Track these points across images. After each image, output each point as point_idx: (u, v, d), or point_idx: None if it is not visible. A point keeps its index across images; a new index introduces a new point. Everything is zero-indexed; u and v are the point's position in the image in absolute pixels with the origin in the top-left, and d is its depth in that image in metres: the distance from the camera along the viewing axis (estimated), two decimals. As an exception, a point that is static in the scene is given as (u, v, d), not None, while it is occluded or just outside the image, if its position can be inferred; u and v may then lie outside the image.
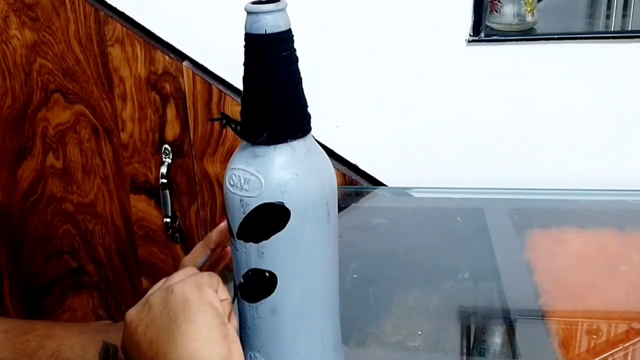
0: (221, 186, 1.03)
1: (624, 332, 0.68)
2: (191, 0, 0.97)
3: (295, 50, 0.50)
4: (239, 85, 0.51)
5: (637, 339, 0.66)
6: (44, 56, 1.07)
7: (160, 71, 1.02)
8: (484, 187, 0.94)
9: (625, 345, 0.65)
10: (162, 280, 0.57)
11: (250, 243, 0.52)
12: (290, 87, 0.50)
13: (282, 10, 0.49)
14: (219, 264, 0.67)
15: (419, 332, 0.69)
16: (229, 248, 0.64)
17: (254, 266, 0.53)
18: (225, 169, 0.53)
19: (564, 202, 0.93)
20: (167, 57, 1.01)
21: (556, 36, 0.88)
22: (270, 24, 0.48)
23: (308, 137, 0.52)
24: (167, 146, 1.06)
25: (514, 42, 0.90)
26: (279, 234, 0.51)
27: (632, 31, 0.96)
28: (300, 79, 0.51)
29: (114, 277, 1.21)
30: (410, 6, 0.90)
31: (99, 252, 1.20)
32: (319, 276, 0.55)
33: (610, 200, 0.92)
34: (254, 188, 0.50)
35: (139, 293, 1.20)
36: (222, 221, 0.61)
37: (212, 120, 1.01)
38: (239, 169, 0.51)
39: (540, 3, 0.97)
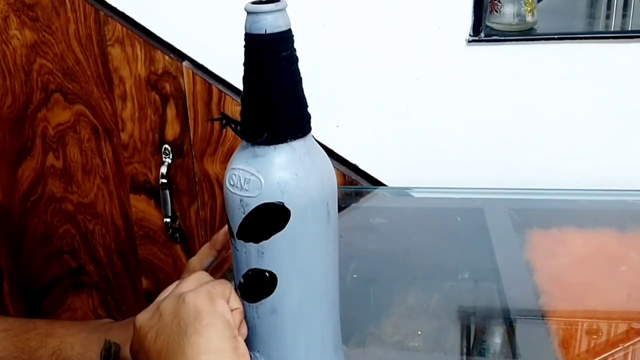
0: (221, 186, 1.03)
1: (624, 332, 0.68)
2: (191, 0, 0.97)
3: (295, 50, 0.50)
4: (239, 85, 0.51)
5: (637, 339, 0.66)
6: (44, 56, 1.07)
7: (160, 71, 1.02)
8: (484, 187, 0.94)
9: (625, 345, 0.65)
10: (174, 285, 0.57)
11: (250, 243, 0.52)
12: (290, 87, 0.50)
13: (282, 10, 0.49)
14: (224, 265, 0.67)
15: (419, 332, 0.69)
16: None
17: (254, 266, 0.53)
18: (225, 169, 0.53)
19: (564, 202, 0.93)
20: (167, 57, 1.01)
21: (556, 36, 0.88)
22: (270, 24, 0.48)
23: (308, 137, 0.52)
24: (167, 146, 1.06)
25: (514, 42, 0.90)
26: (279, 234, 0.51)
27: (632, 31, 0.96)
28: (300, 79, 0.51)
29: (114, 277, 1.21)
30: (410, 6, 0.90)
31: (99, 252, 1.20)
32: (319, 276, 0.55)
33: (610, 200, 0.92)
34: (254, 188, 0.50)
35: (139, 293, 1.20)
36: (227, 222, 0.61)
37: (212, 120, 1.01)
38: (239, 169, 0.51)
39: (540, 3, 0.97)
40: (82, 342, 0.68)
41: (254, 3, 0.48)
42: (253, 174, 0.51)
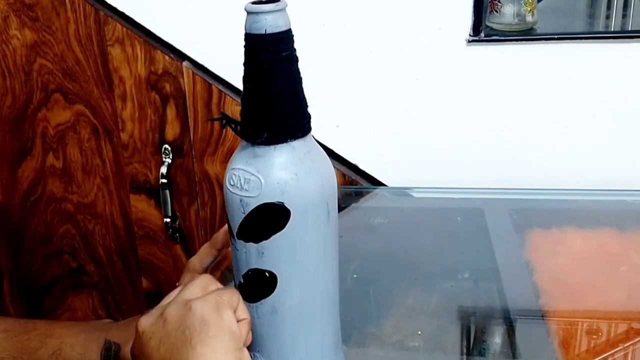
0: (221, 186, 1.03)
1: (624, 332, 0.68)
2: (191, 0, 0.97)
3: (295, 50, 0.50)
4: (239, 85, 0.51)
5: (637, 339, 0.66)
6: (44, 56, 1.07)
7: (160, 71, 1.02)
8: (484, 187, 0.94)
9: (625, 345, 0.65)
10: (178, 289, 0.55)
11: (250, 243, 0.52)
12: (290, 87, 0.50)
13: (282, 10, 0.49)
14: (222, 264, 0.67)
15: (419, 332, 0.69)
16: None
17: (254, 266, 0.53)
18: (225, 169, 0.53)
19: (564, 202, 0.93)
20: (167, 57, 1.01)
21: (556, 36, 0.88)
22: (270, 24, 0.48)
23: (308, 137, 0.52)
24: (167, 146, 1.06)
25: (514, 42, 0.90)
26: (279, 234, 0.51)
27: (632, 31, 0.96)
28: (300, 79, 0.51)
29: (114, 277, 1.21)
30: (410, 6, 0.90)
31: (99, 252, 1.20)
32: (319, 276, 0.55)
33: (610, 200, 0.92)
34: (254, 188, 0.50)
35: (139, 293, 1.20)
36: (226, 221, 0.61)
37: (212, 120, 1.01)
38: (239, 169, 0.51)
39: (540, 3, 0.97)
40: (82, 342, 0.68)
41: (254, 3, 0.48)
42: (253, 174, 0.51)
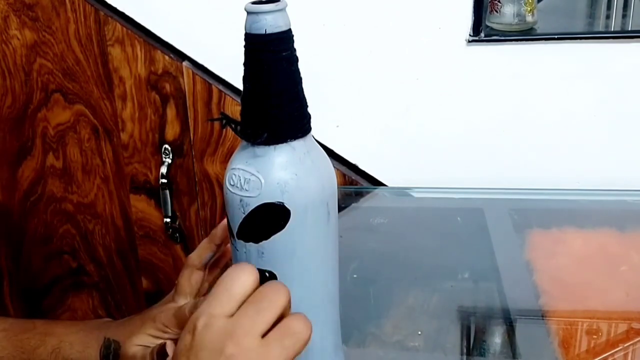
0: (221, 186, 1.03)
1: (624, 332, 0.68)
2: (191, 0, 0.97)
3: (295, 50, 0.50)
4: (239, 85, 0.51)
5: (637, 339, 0.66)
6: (44, 56, 1.07)
7: (160, 71, 1.02)
8: (484, 187, 0.94)
9: (625, 345, 0.65)
10: (207, 316, 0.47)
11: (250, 243, 0.52)
12: (290, 87, 0.50)
13: (282, 10, 0.49)
14: (221, 260, 0.67)
15: (419, 332, 0.69)
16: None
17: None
18: (225, 169, 0.53)
19: (564, 202, 0.93)
20: (167, 57, 1.01)
21: (556, 36, 0.88)
22: (270, 24, 0.48)
23: (308, 137, 0.52)
24: (167, 146, 1.06)
25: (514, 42, 0.90)
26: (279, 234, 0.51)
27: (632, 31, 0.96)
28: (300, 79, 0.51)
29: (114, 277, 1.21)
30: (410, 6, 0.90)
31: (99, 252, 1.20)
32: (319, 276, 0.55)
33: (610, 200, 0.92)
34: (254, 188, 0.50)
35: (139, 293, 1.20)
36: (225, 217, 0.61)
37: (212, 120, 1.01)
38: (239, 169, 0.51)
39: (540, 3, 0.97)
40: (82, 340, 0.68)
41: (254, 3, 0.48)
42: (253, 174, 0.51)
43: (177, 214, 1.11)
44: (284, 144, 0.51)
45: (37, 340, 0.69)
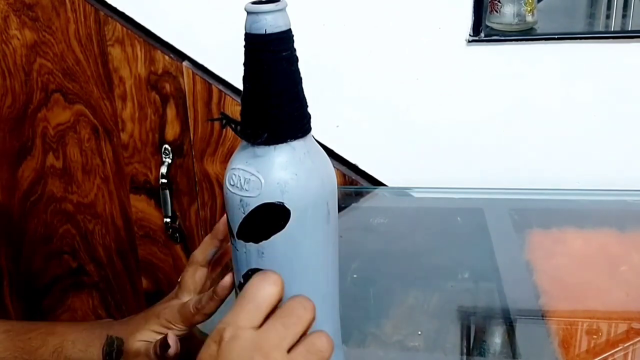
0: (221, 186, 1.03)
1: (624, 332, 0.68)
2: (191, 0, 0.97)
3: (295, 50, 0.50)
4: (239, 85, 0.51)
5: (637, 339, 0.66)
6: (44, 56, 1.07)
7: (160, 71, 1.02)
8: (484, 187, 0.94)
9: (625, 345, 0.65)
10: (234, 327, 0.47)
11: (250, 243, 0.52)
12: (290, 87, 0.50)
13: (282, 10, 0.48)
14: (224, 258, 0.67)
15: (419, 332, 0.69)
16: None
17: (254, 266, 0.53)
18: (225, 169, 0.53)
19: (564, 202, 0.93)
20: (167, 57, 1.01)
21: (556, 36, 0.88)
22: (270, 24, 0.48)
23: (308, 137, 0.52)
24: (167, 146, 1.06)
25: (514, 42, 0.90)
26: (279, 234, 0.51)
27: (632, 31, 0.96)
28: (300, 79, 0.51)
29: (114, 277, 1.21)
30: (410, 6, 0.90)
31: (99, 252, 1.20)
32: (319, 276, 0.55)
33: (610, 200, 0.92)
34: (254, 188, 0.50)
35: (139, 293, 1.20)
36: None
37: (212, 120, 1.01)
38: (239, 169, 0.51)
39: (540, 3, 0.97)
40: (84, 339, 0.68)
41: (254, 3, 0.48)
42: (253, 174, 0.50)
43: (177, 214, 1.11)
44: (284, 144, 0.51)
45: (39, 340, 0.69)
